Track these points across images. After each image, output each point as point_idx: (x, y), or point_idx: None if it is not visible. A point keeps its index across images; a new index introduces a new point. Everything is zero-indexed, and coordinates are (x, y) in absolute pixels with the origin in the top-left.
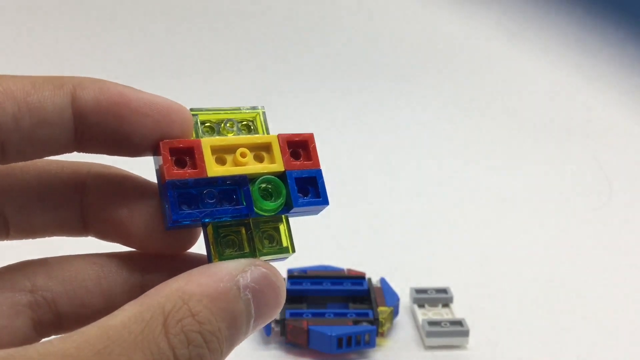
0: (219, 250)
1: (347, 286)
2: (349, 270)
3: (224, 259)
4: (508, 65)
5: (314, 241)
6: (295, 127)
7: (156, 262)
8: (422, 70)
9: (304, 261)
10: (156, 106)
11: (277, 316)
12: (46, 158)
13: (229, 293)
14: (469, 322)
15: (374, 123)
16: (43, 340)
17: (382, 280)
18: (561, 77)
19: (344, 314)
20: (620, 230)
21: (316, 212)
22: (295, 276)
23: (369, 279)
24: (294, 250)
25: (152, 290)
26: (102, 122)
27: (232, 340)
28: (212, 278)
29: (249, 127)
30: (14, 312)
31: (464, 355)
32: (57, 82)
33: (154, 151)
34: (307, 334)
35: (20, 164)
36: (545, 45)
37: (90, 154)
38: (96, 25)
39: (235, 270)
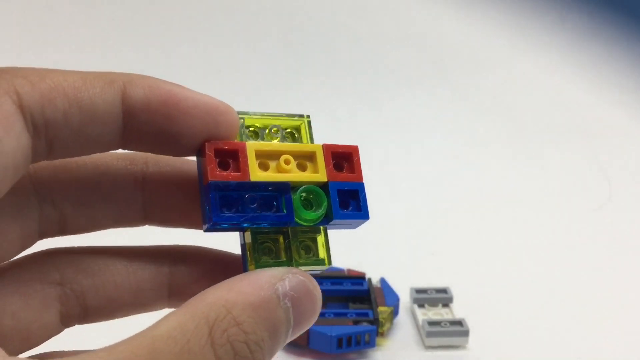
0: (256, 257)
1: (347, 286)
2: (349, 270)
3: (260, 267)
4: (508, 65)
5: None
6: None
7: (184, 259)
8: (422, 71)
9: None
10: (205, 106)
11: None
12: (99, 153)
13: (270, 301)
14: (469, 322)
15: (374, 123)
16: (86, 350)
17: (382, 280)
18: (561, 77)
19: (344, 314)
20: (620, 230)
21: (355, 226)
22: None
23: (369, 279)
24: (330, 263)
25: (193, 299)
26: (151, 122)
27: (273, 349)
28: (253, 286)
29: (293, 135)
30: (44, 305)
31: (464, 355)
32: (107, 78)
33: (197, 151)
34: (307, 334)
35: (76, 158)
36: (545, 45)
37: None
38: (107, 20)
39: (274, 278)
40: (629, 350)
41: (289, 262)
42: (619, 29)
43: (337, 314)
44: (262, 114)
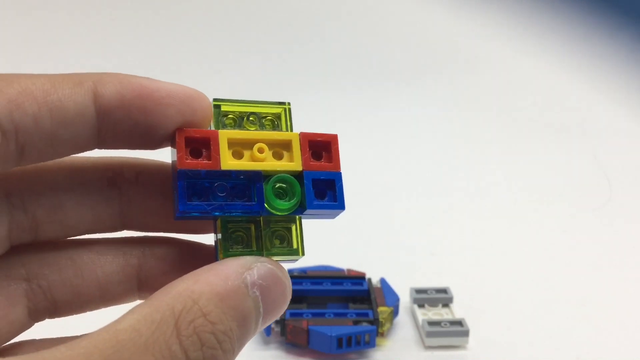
0: (226, 245)
1: (347, 286)
2: (349, 270)
3: (229, 255)
4: (508, 65)
5: (314, 241)
6: (295, 123)
7: (153, 251)
8: (421, 70)
9: (304, 261)
10: (178, 95)
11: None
12: (75, 155)
13: (237, 291)
14: (469, 322)
15: (374, 123)
16: (50, 348)
17: (382, 281)
18: (561, 76)
19: (344, 314)
20: (620, 230)
21: (332, 217)
22: (295, 276)
23: (369, 279)
24: (303, 253)
25: (159, 292)
26: (127, 117)
27: (242, 339)
28: (220, 276)
29: (273, 123)
30: (10, 302)
31: (464, 355)
32: (76, 79)
33: (171, 142)
34: (307, 334)
35: (50, 163)
36: (545, 45)
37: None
38: (99, 18)
39: (241, 268)
40: (628, 350)
41: (260, 252)
42: (619, 29)
43: (337, 314)
44: (240, 101)
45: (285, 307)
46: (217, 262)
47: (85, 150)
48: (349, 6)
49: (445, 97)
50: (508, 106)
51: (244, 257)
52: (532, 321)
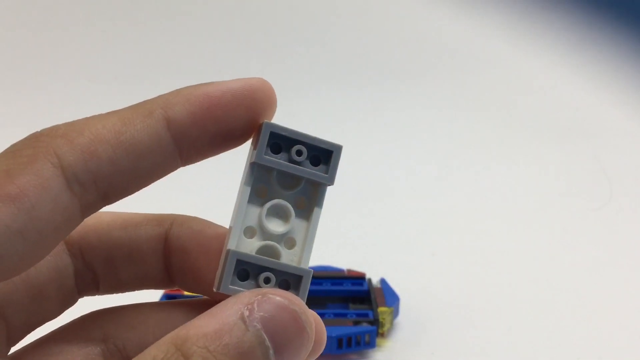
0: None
1: (347, 286)
2: (349, 270)
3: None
4: (508, 65)
5: (314, 241)
6: (295, 123)
7: None
8: (422, 71)
9: None
10: (243, 91)
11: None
12: (129, 212)
13: (232, 327)
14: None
15: (374, 123)
16: None
17: (382, 281)
18: (561, 76)
19: (344, 315)
20: (621, 230)
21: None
22: None
23: (369, 279)
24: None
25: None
26: (202, 132)
27: None
28: (214, 318)
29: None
30: None
31: (463, 355)
32: (145, 110)
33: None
34: None
35: (107, 218)
36: (545, 45)
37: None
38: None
39: (239, 305)
40: (628, 350)
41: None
42: (619, 29)
43: (337, 315)
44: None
45: (304, 338)
46: (213, 307)
47: (172, 172)
48: (349, 5)
49: (445, 97)
50: (508, 106)
51: (243, 292)
52: (532, 321)
